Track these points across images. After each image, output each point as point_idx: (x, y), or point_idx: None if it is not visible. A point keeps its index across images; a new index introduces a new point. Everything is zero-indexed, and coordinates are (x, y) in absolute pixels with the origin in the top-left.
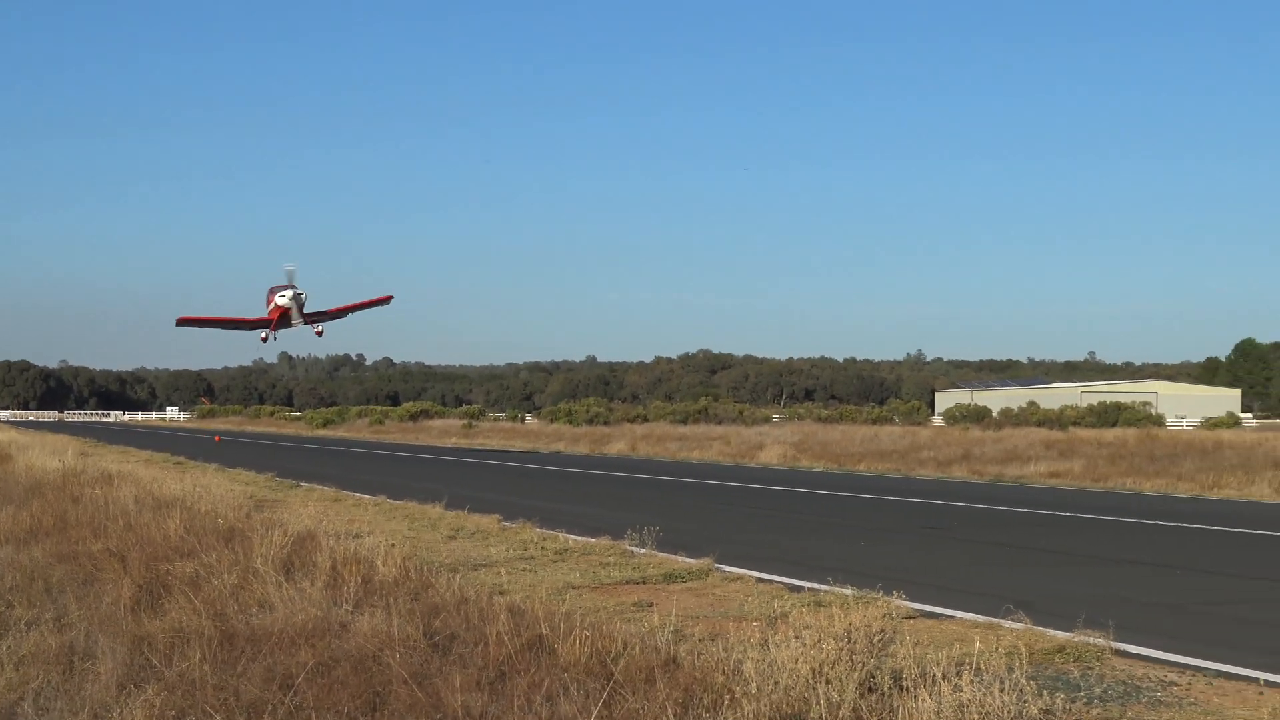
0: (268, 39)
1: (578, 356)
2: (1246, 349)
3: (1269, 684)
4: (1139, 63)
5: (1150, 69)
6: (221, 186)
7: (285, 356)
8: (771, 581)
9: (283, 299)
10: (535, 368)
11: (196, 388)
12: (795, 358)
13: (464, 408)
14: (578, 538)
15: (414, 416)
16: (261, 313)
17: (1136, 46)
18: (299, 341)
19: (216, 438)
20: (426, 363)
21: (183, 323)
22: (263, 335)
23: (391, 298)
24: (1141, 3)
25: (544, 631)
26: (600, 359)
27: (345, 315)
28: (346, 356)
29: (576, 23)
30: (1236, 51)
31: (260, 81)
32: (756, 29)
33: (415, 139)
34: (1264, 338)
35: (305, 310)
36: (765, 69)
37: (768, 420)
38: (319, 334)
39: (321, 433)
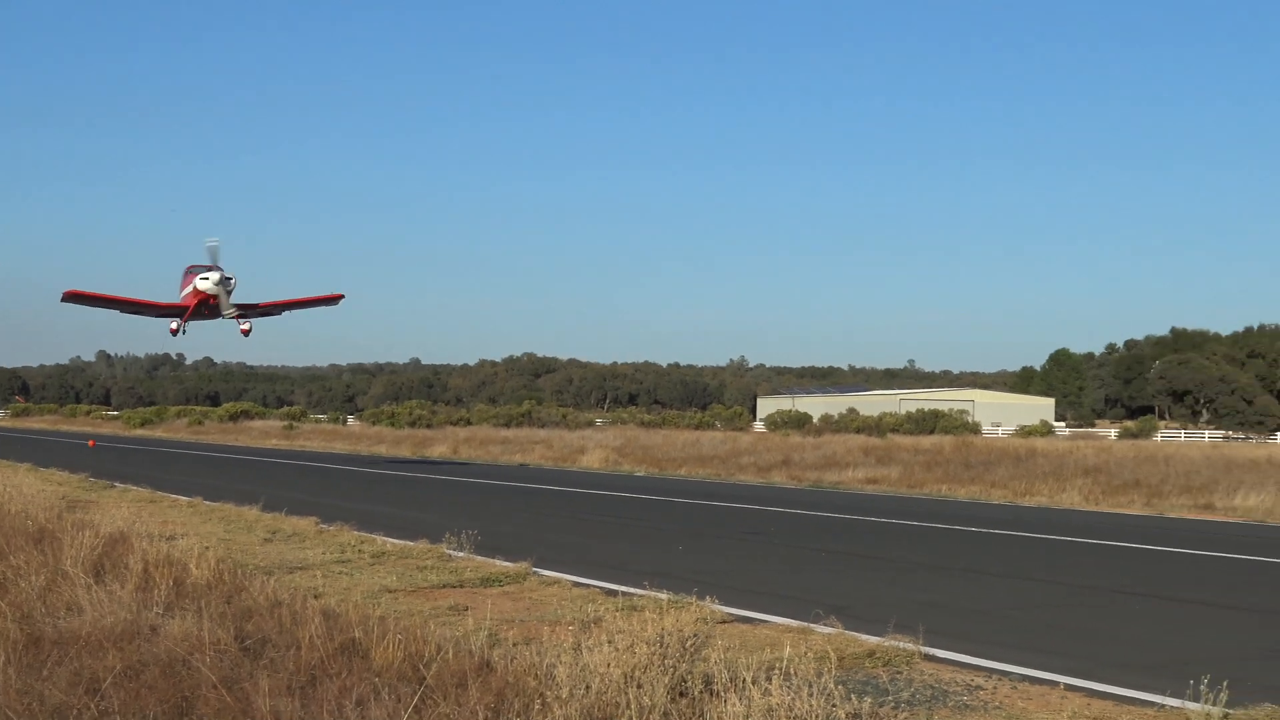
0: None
1: (401, 359)
2: (1060, 359)
3: (1070, 688)
4: (956, 73)
5: (967, 79)
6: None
7: (103, 355)
8: (588, 586)
9: (204, 282)
10: (358, 369)
11: (11, 386)
12: (619, 362)
13: (285, 409)
14: (396, 541)
15: (234, 417)
16: (173, 298)
17: (956, 55)
18: (118, 338)
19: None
20: (248, 363)
21: (71, 298)
22: (173, 325)
23: (342, 296)
24: (963, 14)
25: (357, 635)
26: (424, 361)
27: (280, 312)
28: (166, 355)
29: (391, 30)
30: (1052, 62)
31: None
32: (576, 37)
33: (235, 140)
34: (1077, 348)
35: (233, 300)
36: (586, 75)
37: (591, 424)
38: (245, 332)
39: (139, 433)
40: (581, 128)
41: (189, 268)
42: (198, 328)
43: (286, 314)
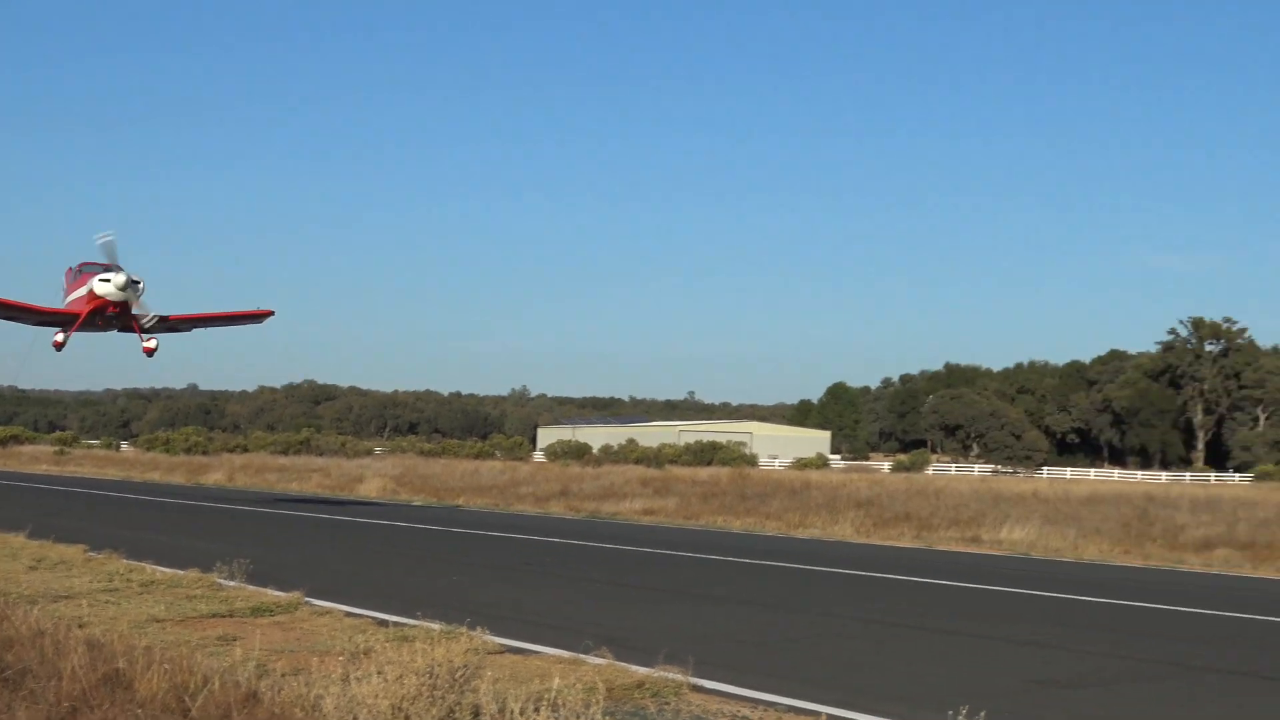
0: None
1: (178, 384)
2: (837, 392)
3: (832, 718)
4: (730, 104)
5: (740, 110)
6: None
7: None
8: (360, 616)
9: (105, 285)
10: (134, 394)
11: None
12: (400, 390)
13: (57, 434)
14: (166, 569)
15: (2, 442)
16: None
17: (728, 86)
18: None
19: None
20: (19, 386)
21: None
22: (58, 337)
23: (271, 313)
24: (713, 46)
25: (121, 666)
26: (202, 387)
27: (191, 328)
28: None
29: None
30: (823, 93)
31: None
32: (357, 71)
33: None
34: (854, 382)
35: (137, 311)
36: (367, 107)
37: (370, 453)
38: (150, 351)
39: None
40: (363, 153)
41: (80, 266)
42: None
43: (200, 330)
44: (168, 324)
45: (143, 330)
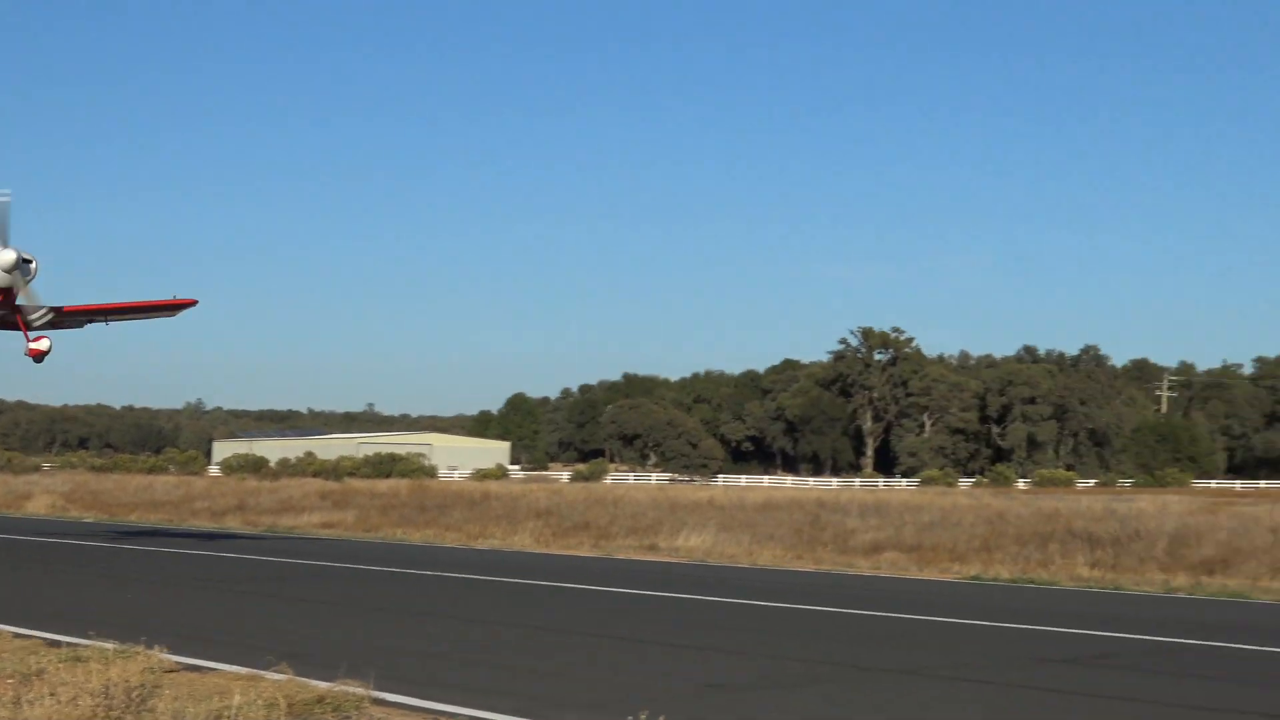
0: None
1: None
2: (516, 403)
3: None
4: (399, 113)
5: (410, 129)
6: None
7: None
8: (31, 636)
9: None
10: None
11: None
12: (70, 404)
13: None
14: None
15: None
16: None
17: (403, 99)
18: None
19: None
20: None
21: None
22: None
23: (194, 302)
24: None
25: None
26: None
27: (84, 323)
28: None
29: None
30: (505, 118)
31: None
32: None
33: None
34: (533, 393)
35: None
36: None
37: (38, 469)
38: (39, 354)
39: None
40: (36, 154)
41: None
42: None
43: (92, 325)
44: (59, 318)
45: (29, 326)
